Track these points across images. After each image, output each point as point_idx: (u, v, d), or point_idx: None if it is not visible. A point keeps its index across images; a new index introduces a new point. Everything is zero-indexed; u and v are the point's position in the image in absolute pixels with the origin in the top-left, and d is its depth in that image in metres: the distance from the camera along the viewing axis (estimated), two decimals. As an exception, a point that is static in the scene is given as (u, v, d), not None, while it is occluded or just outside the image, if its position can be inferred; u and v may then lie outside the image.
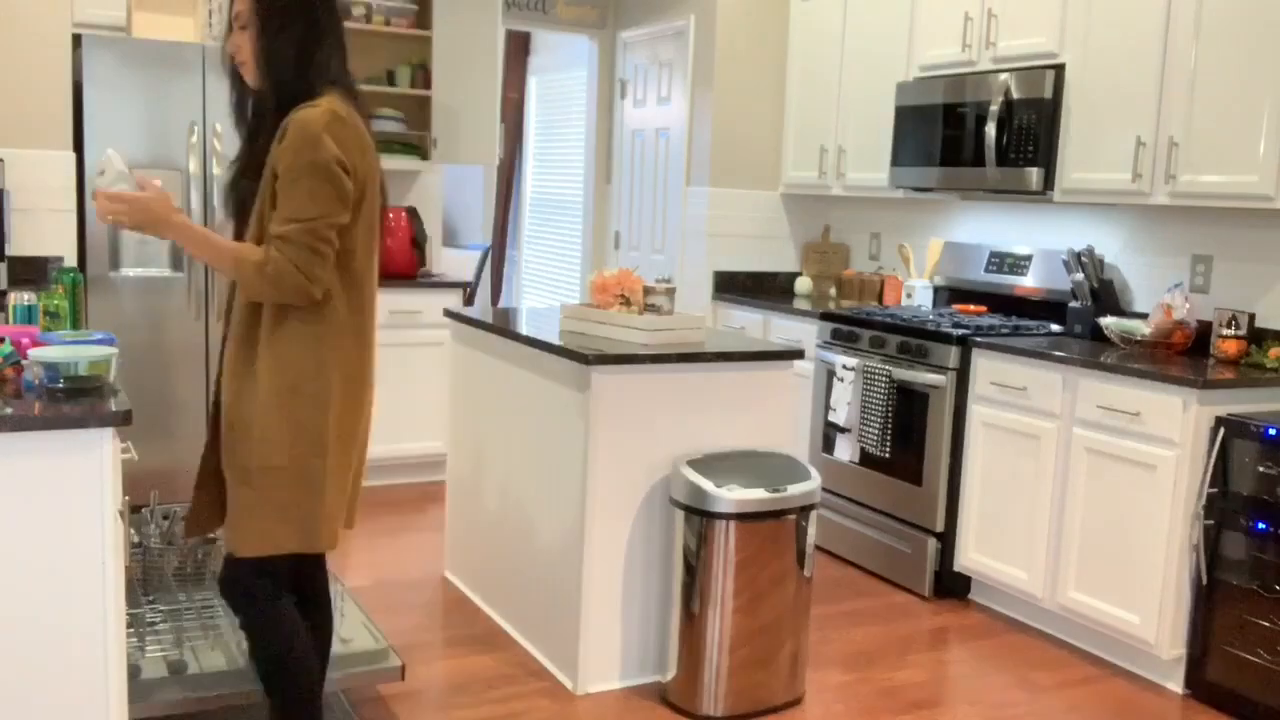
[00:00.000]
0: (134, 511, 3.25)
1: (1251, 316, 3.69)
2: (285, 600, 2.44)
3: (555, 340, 3.31)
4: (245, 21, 2.48)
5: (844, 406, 4.41)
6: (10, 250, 4.14)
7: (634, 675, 3.33)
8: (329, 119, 2.27)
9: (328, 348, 2.34)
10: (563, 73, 7.72)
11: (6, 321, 2.77)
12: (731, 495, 3.03)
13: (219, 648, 2.89)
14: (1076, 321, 4.16)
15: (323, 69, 2.37)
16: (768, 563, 3.09)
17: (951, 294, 4.89)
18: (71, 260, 4.32)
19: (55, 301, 2.80)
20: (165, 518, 3.33)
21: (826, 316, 4.67)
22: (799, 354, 3.46)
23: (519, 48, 8.08)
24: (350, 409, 2.40)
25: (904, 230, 5.31)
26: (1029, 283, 4.51)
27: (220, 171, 4.55)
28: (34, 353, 2.23)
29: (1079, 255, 4.17)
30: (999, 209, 4.78)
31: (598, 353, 3.12)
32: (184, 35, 4.68)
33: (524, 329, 3.53)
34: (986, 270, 4.71)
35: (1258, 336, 3.72)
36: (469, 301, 5.75)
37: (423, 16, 5.49)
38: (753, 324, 5.23)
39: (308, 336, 2.33)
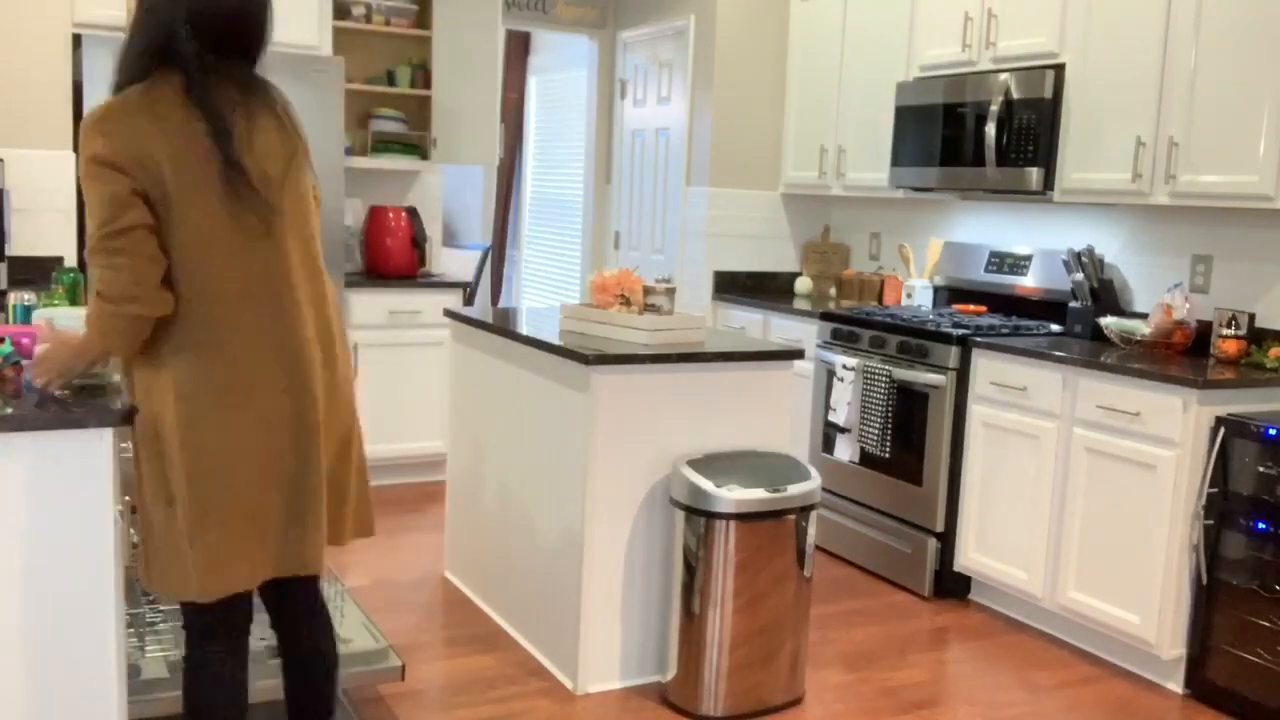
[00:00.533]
0: (134, 511, 3.24)
1: (1251, 316, 3.69)
2: (211, 647, 2.20)
3: (555, 340, 3.31)
4: None
5: (844, 406, 4.41)
6: (10, 250, 4.14)
7: (634, 675, 3.33)
8: (103, 111, 2.02)
9: (164, 375, 2.06)
10: (563, 73, 7.72)
11: (6, 321, 2.77)
12: (731, 495, 3.03)
13: (219, 648, 2.89)
14: (1076, 321, 4.16)
15: (138, 52, 2.08)
16: (768, 563, 3.09)
17: (951, 294, 4.89)
18: (71, 260, 4.32)
19: (55, 301, 2.80)
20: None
21: (826, 316, 4.67)
22: (799, 354, 3.46)
23: (519, 48, 8.08)
24: (220, 429, 2.07)
25: (904, 230, 5.31)
26: (1029, 283, 4.51)
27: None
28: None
29: (1079, 255, 4.17)
30: (999, 209, 4.78)
31: (598, 353, 3.12)
32: (184, 35, 4.67)
33: (524, 329, 3.53)
34: (986, 270, 4.71)
35: (1258, 336, 3.72)
36: (469, 301, 5.75)
37: (423, 16, 5.49)
38: (753, 324, 5.23)
39: (144, 368, 2.10)
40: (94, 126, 2.01)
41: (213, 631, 2.21)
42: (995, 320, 4.39)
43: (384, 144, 5.48)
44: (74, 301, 2.88)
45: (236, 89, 2.15)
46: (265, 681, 2.76)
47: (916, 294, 4.90)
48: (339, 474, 2.29)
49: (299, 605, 2.37)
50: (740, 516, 3.03)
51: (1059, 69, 4.05)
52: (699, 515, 3.07)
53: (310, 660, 2.38)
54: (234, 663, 2.23)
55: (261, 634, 2.95)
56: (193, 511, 2.09)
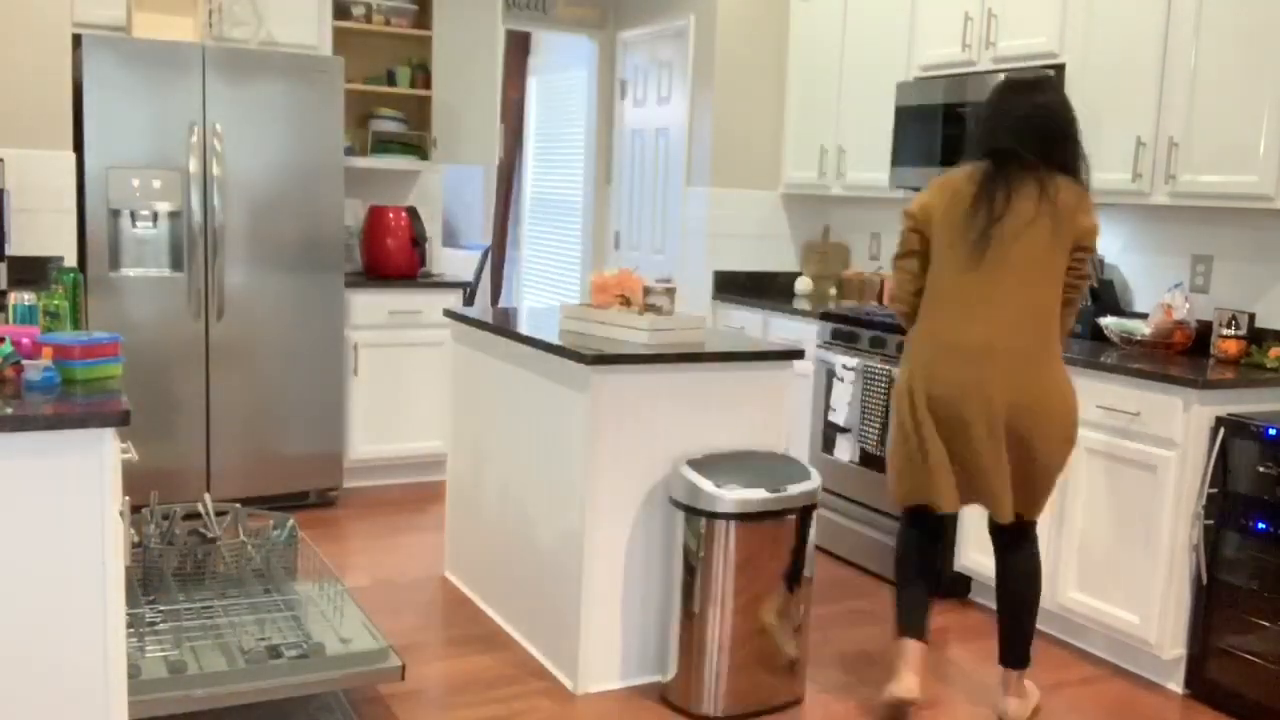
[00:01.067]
0: (134, 511, 3.25)
1: (1251, 316, 3.69)
2: (910, 531, 3.22)
3: (555, 340, 3.31)
4: None
5: (844, 406, 4.41)
6: (10, 250, 4.14)
7: (634, 675, 3.33)
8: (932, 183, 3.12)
9: (908, 345, 3.14)
10: (563, 73, 7.72)
11: (6, 321, 2.77)
12: (731, 495, 3.03)
13: (219, 648, 2.89)
14: (1077, 321, 4.16)
15: (973, 148, 3.12)
16: (768, 563, 3.09)
17: (951, 294, 4.88)
18: (71, 260, 4.32)
19: (55, 301, 2.80)
20: (165, 518, 3.33)
21: (826, 316, 4.67)
22: (799, 354, 3.46)
23: (519, 48, 8.08)
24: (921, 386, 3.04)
25: (904, 230, 5.30)
26: (1029, 283, 4.50)
27: (220, 171, 4.55)
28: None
29: (1079, 255, 4.17)
30: (999, 209, 4.78)
31: (598, 353, 3.12)
32: (184, 35, 4.68)
33: (524, 329, 3.53)
34: (986, 270, 4.70)
35: (1258, 336, 3.72)
36: (469, 301, 5.75)
37: (423, 16, 5.49)
38: (752, 324, 5.23)
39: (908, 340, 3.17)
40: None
41: (912, 523, 3.23)
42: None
43: (384, 144, 5.48)
44: (74, 301, 2.88)
45: (1021, 171, 2.94)
46: (265, 681, 2.76)
47: (916, 294, 4.89)
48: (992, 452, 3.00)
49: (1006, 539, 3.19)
50: (740, 516, 3.03)
51: (1059, 69, 4.05)
52: (699, 515, 3.06)
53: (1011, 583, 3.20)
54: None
55: (261, 634, 2.96)
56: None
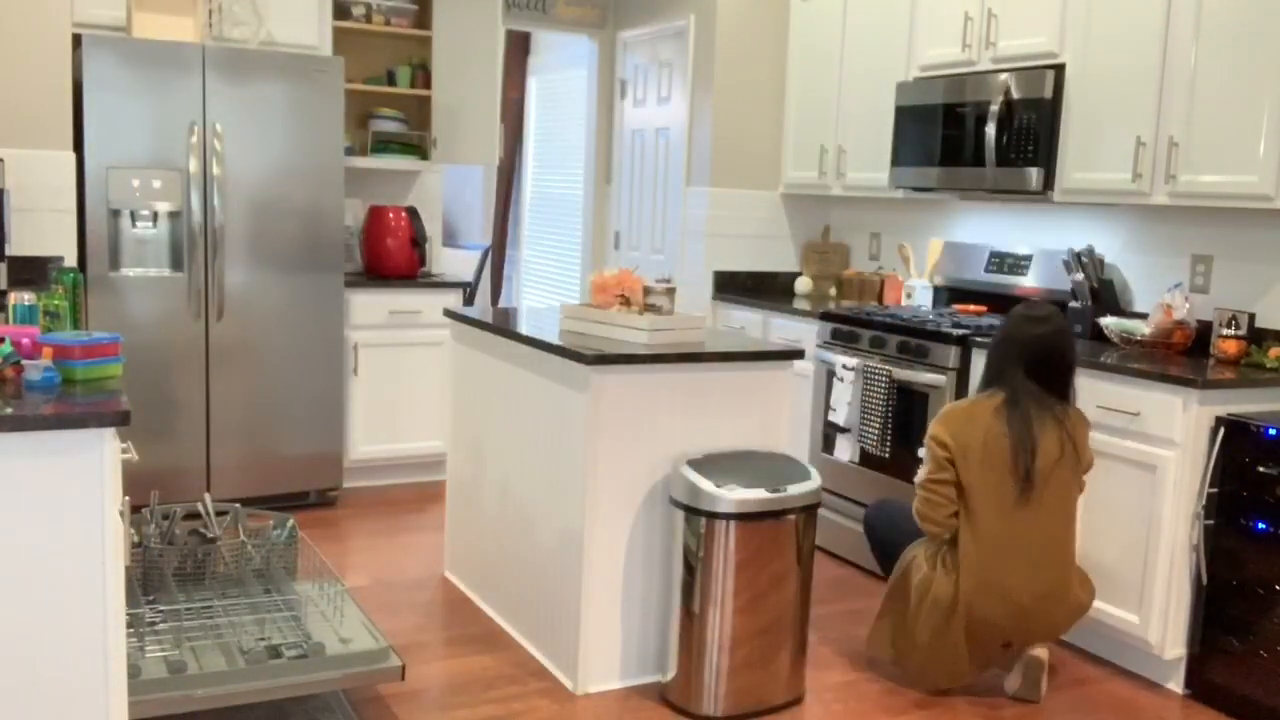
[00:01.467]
0: (134, 511, 3.25)
1: (1251, 316, 3.69)
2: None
3: (555, 340, 3.31)
4: None
5: (844, 406, 4.41)
6: (10, 250, 4.14)
7: (634, 675, 3.33)
8: (951, 408, 3.33)
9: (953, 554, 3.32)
10: (563, 73, 7.72)
11: (6, 321, 2.77)
12: (731, 495, 3.03)
13: (219, 648, 2.89)
14: (1076, 321, 4.16)
15: (984, 378, 3.35)
16: (768, 563, 3.09)
17: (951, 294, 4.89)
18: (71, 260, 4.32)
19: (55, 301, 2.80)
20: (165, 518, 3.33)
21: (826, 316, 4.67)
22: (799, 354, 3.46)
23: (519, 48, 8.08)
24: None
25: (904, 230, 5.31)
26: (1029, 283, 4.51)
27: (220, 171, 4.55)
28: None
29: (1079, 255, 4.17)
30: (999, 209, 4.78)
31: (598, 353, 3.12)
32: (184, 35, 4.68)
33: (524, 329, 3.53)
34: (986, 270, 4.71)
35: (1258, 336, 3.72)
36: (469, 301, 5.75)
37: (423, 16, 5.49)
38: (752, 324, 5.23)
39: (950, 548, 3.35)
40: (943, 415, 3.29)
41: None
42: (995, 320, 4.39)
43: (384, 144, 5.48)
44: (74, 301, 2.89)
45: (1037, 407, 3.20)
46: (265, 681, 2.76)
47: (916, 294, 4.90)
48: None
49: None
50: (740, 516, 3.03)
51: (1059, 69, 4.05)
52: (699, 515, 3.06)
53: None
54: None
55: (261, 634, 2.96)
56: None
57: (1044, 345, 3.24)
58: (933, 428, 3.28)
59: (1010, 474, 3.17)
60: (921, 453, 3.32)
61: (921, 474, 3.28)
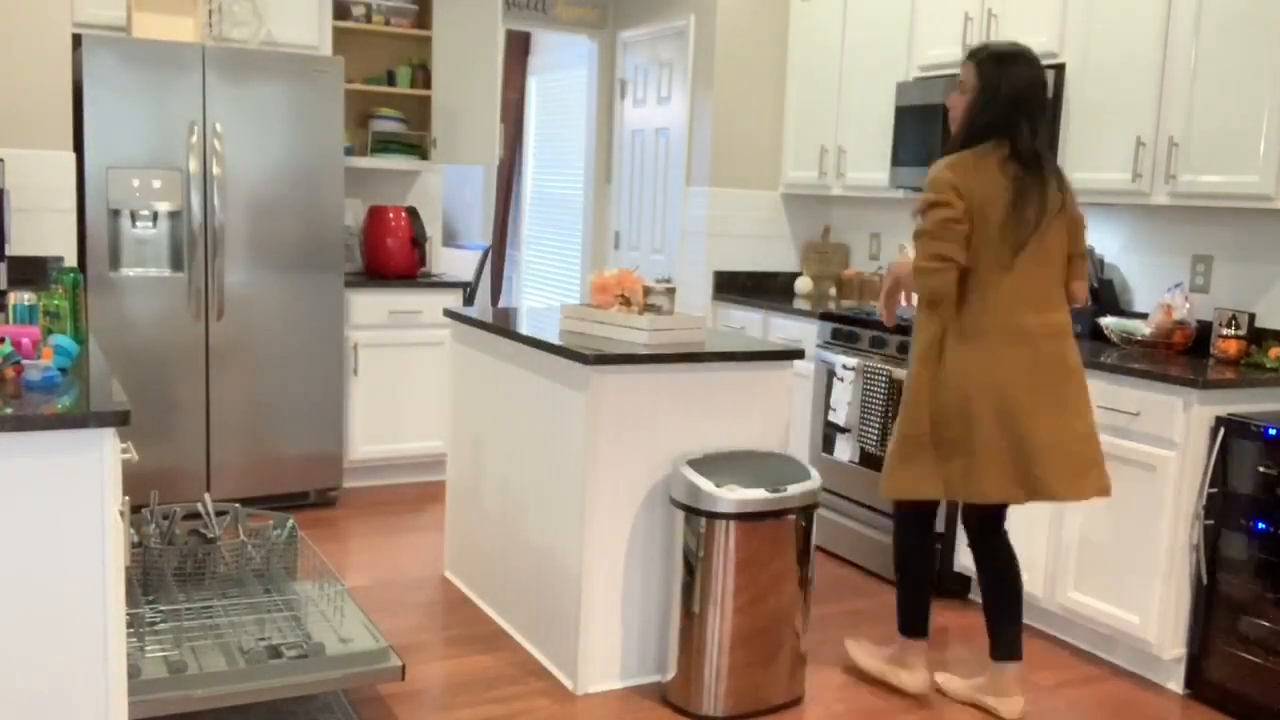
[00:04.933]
0: (134, 511, 3.25)
1: (1251, 316, 3.69)
2: (911, 530, 3.30)
3: (555, 340, 3.31)
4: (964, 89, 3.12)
5: (844, 406, 4.41)
6: (10, 250, 4.14)
7: (634, 675, 3.33)
8: (953, 159, 3.03)
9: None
10: (563, 73, 7.72)
11: (6, 321, 2.77)
12: (731, 495, 3.03)
13: (219, 648, 2.89)
14: (1076, 321, 4.15)
15: (976, 128, 3.06)
16: (768, 563, 3.09)
17: (951, 294, 4.88)
18: (71, 260, 4.32)
19: (55, 301, 2.80)
20: (165, 517, 3.33)
21: (826, 316, 4.67)
22: (799, 354, 3.46)
23: (519, 48, 8.08)
24: None
25: (904, 230, 5.31)
26: (1029, 283, 4.50)
27: (220, 171, 4.55)
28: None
29: (1079, 255, 4.17)
30: (999, 209, 4.78)
31: (598, 353, 3.12)
32: (184, 35, 4.68)
33: (524, 329, 3.53)
34: (986, 270, 4.70)
35: (1258, 336, 3.72)
36: (469, 301, 5.75)
37: (423, 16, 5.49)
38: (752, 324, 5.23)
39: None
40: (945, 166, 3.00)
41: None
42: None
43: (384, 144, 5.48)
44: (74, 301, 2.88)
45: (1039, 159, 3.01)
46: (265, 681, 2.76)
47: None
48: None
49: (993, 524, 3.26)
50: (740, 516, 3.03)
51: (1059, 69, 4.05)
52: (699, 515, 3.06)
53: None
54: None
55: (261, 634, 2.96)
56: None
57: (1037, 86, 3.04)
58: (937, 172, 3.00)
59: (1018, 226, 2.96)
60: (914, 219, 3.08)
61: (926, 224, 2.98)
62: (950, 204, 2.95)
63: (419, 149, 5.55)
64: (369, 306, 5.11)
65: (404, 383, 5.24)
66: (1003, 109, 3.01)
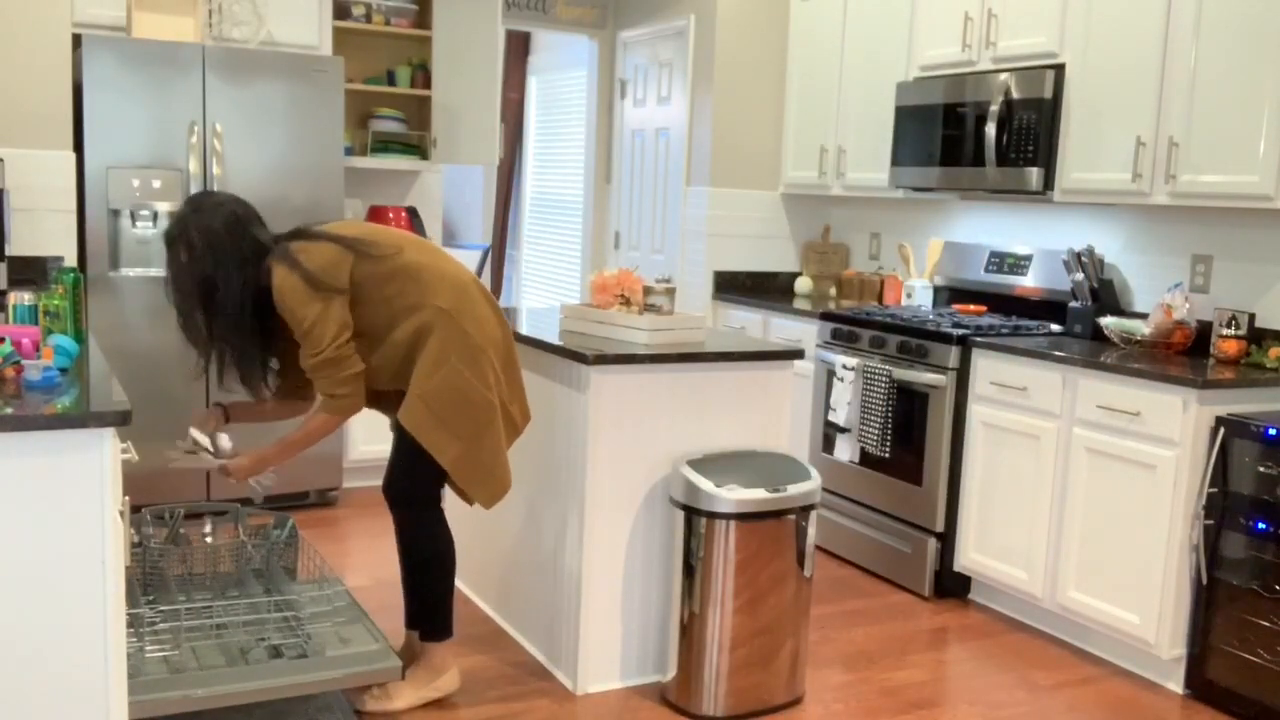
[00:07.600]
0: (134, 511, 3.24)
1: (1251, 316, 3.69)
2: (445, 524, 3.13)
3: (555, 340, 3.31)
4: None
5: (844, 406, 4.41)
6: (10, 250, 4.14)
7: (634, 675, 3.33)
8: None
9: None
10: (563, 73, 7.72)
11: (6, 321, 2.77)
12: (731, 495, 3.03)
13: (219, 648, 2.89)
14: (1076, 321, 4.16)
15: None
16: (768, 563, 3.09)
17: (951, 294, 4.89)
18: (71, 260, 4.32)
19: (55, 301, 2.80)
20: (165, 517, 3.33)
21: (826, 316, 4.67)
22: (799, 354, 3.46)
23: (519, 48, 8.08)
24: None
25: (904, 230, 5.31)
26: (1029, 283, 4.51)
27: (220, 171, 4.56)
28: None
29: (1079, 255, 4.17)
30: (999, 209, 4.78)
31: (598, 353, 3.12)
32: (184, 35, 4.68)
33: (524, 329, 3.53)
34: (986, 270, 4.71)
35: (1258, 336, 3.72)
36: (469, 301, 5.74)
37: (423, 16, 5.49)
38: (752, 324, 5.23)
39: None
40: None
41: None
42: (995, 320, 4.39)
43: (384, 144, 5.48)
44: (74, 301, 2.89)
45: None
46: (265, 681, 2.76)
47: (916, 294, 4.90)
48: None
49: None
50: (740, 516, 3.03)
51: (1059, 69, 4.05)
52: (699, 515, 3.07)
53: None
54: None
55: (261, 634, 2.96)
56: None
57: (241, 209, 2.93)
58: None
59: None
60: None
61: (322, 338, 2.87)
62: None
63: (419, 149, 5.55)
64: (369, 306, 5.10)
65: (404, 383, 5.22)
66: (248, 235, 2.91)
